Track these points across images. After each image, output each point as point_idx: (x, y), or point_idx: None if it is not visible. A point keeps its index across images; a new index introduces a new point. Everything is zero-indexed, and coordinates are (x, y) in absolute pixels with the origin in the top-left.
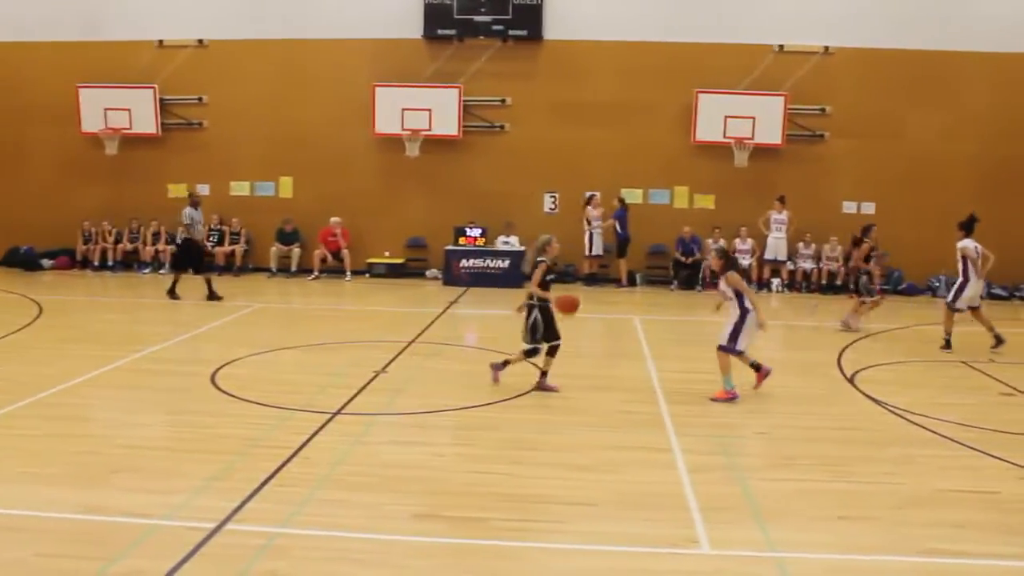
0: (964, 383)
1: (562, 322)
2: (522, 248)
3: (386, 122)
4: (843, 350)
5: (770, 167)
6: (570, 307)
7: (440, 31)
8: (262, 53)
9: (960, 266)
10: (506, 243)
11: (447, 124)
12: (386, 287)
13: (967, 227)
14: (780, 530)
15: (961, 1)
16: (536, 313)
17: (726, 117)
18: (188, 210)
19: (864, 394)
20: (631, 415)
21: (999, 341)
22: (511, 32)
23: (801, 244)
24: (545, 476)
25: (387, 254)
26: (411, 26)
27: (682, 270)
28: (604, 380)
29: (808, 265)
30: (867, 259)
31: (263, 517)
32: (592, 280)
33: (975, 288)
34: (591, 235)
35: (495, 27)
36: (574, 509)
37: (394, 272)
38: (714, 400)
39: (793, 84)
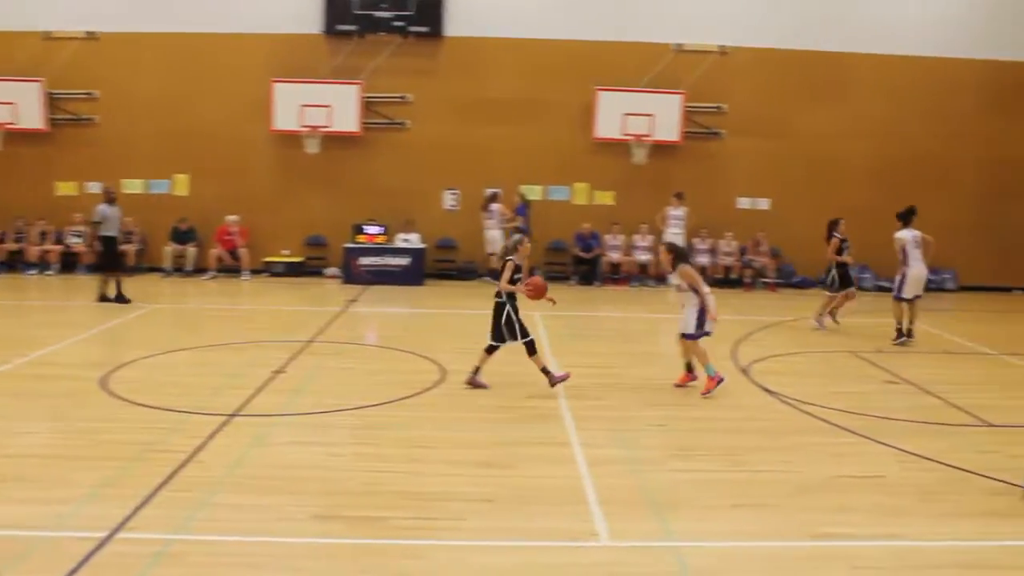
0: (852, 372)
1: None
2: (423, 246)
3: (285, 119)
4: (738, 342)
5: (668, 164)
6: (541, 292)
7: (340, 26)
8: (157, 47)
9: (900, 256)
10: (406, 240)
11: (347, 121)
12: (284, 286)
13: (905, 218)
14: (678, 520)
15: (852, 5)
16: (508, 310)
17: (625, 115)
18: (102, 207)
19: (758, 385)
20: (530, 410)
21: (903, 335)
22: (412, 28)
23: (698, 240)
24: (445, 473)
25: (285, 252)
26: (310, 21)
27: (581, 266)
28: (503, 376)
29: (705, 260)
30: (839, 252)
31: (157, 524)
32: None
33: (917, 276)
34: (492, 232)
35: (396, 23)
36: (474, 505)
37: (292, 271)
38: (705, 395)
39: (691, 83)
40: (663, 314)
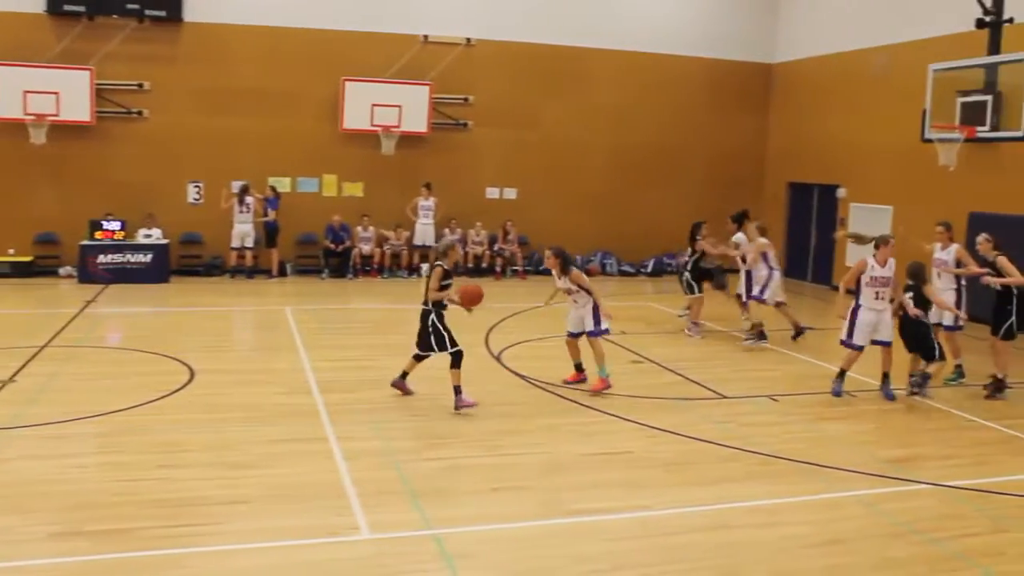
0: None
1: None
2: (166, 241)
3: (6, 105)
4: (489, 330)
5: (417, 155)
6: (474, 300)
7: (67, 7)
8: None
9: (762, 260)
10: (148, 236)
11: (77, 109)
12: (12, 288)
13: (738, 220)
14: (436, 508)
15: (590, 2)
16: (433, 319)
17: (373, 105)
18: None
19: (510, 370)
20: (285, 407)
21: (764, 336)
22: (148, 12)
23: (448, 230)
24: (197, 477)
25: (11, 252)
26: None
27: (332, 258)
28: (256, 374)
29: None
30: (700, 252)
31: None
32: (238, 272)
33: (778, 279)
34: (242, 227)
35: (130, 5)
36: (229, 508)
37: (21, 271)
38: (595, 393)
39: (438, 74)
40: (416, 304)
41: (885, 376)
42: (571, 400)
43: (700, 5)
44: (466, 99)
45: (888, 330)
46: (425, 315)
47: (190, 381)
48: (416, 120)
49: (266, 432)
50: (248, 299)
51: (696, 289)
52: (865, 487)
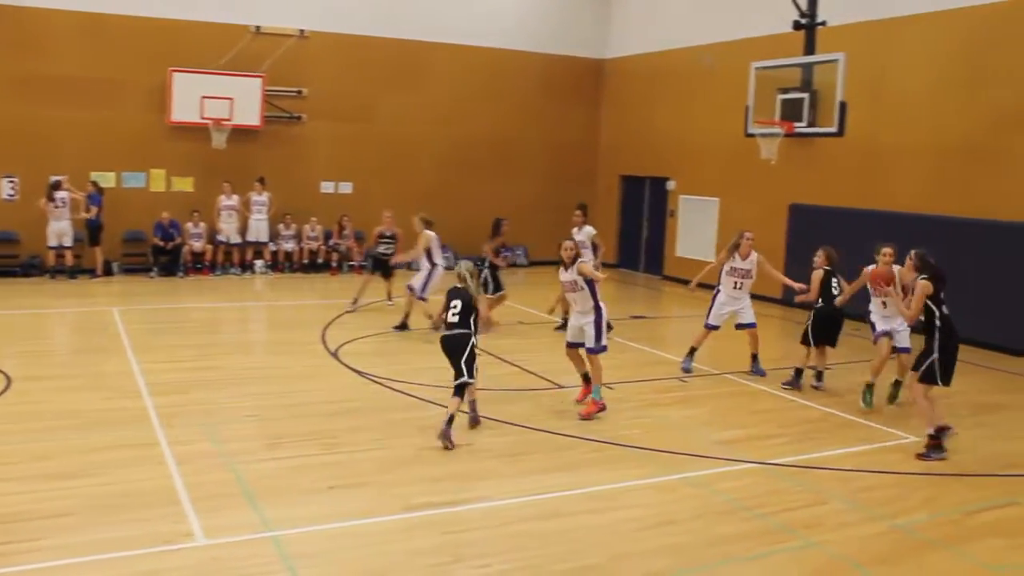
0: (436, 348)
1: None
2: None
3: None
4: (326, 327)
5: (250, 149)
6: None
7: None
8: None
9: (424, 256)
10: None
11: None
12: None
13: (427, 222)
14: (274, 508)
15: None
16: (473, 342)
17: (203, 97)
18: None
19: (348, 367)
20: (112, 412)
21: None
22: None
23: (282, 225)
24: (17, 491)
25: None
26: None
27: (162, 256)
28: (80, 379)
29: (290, 246)
30: (496, 252)
31: None
32: (58, 272)
33: (434, 277)
34: (58, 224)
35: None
36: (52, 523)
37: None
38: (586, 418)
39: (270, 65)
40: (251, 302)
41: (754, 356)
42: (409, 395)
43: (534, 1)
44: (300, 92)
45: (750, 314)
46: (466, 338)
47: (6, 389)
48: (248, 113)
49: (92, 440)
50: (71, 300)
51: (494, 288)
52: (697, 469)
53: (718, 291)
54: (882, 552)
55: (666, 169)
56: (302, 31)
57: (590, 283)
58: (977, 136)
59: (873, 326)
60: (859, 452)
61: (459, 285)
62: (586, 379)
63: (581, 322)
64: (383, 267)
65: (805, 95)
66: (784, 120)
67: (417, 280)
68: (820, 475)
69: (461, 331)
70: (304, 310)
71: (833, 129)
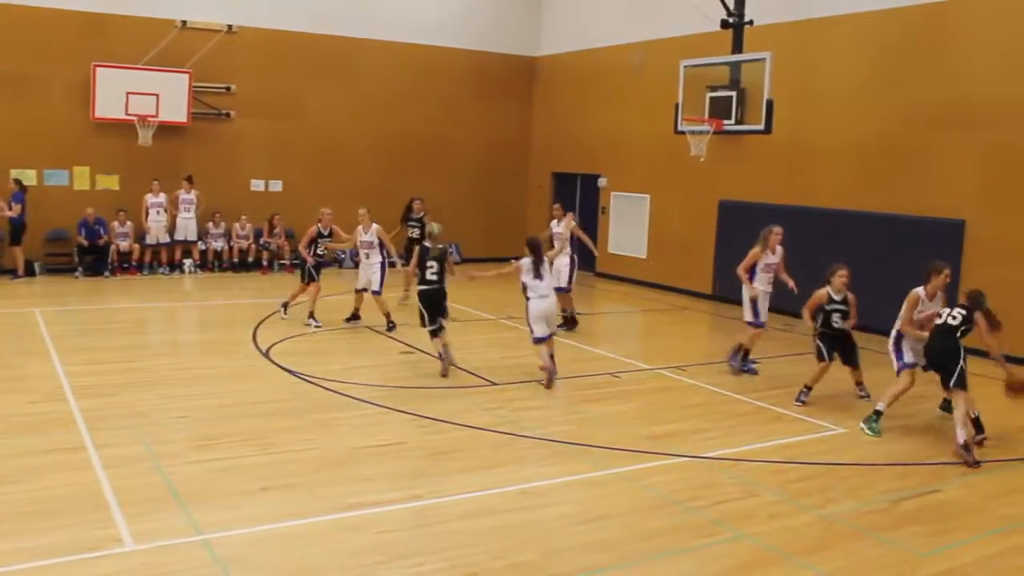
0: (369, 347)
1: None
2: None
3: None
4: (257, 326)
5: (177, 146)
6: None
7: None
8: None
9: (380, 249)
10: None
11: None
12: None
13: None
14: (205, 511)
15: None
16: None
17: (128, 93)
18: None
19: (280, 366)
20: (36, 416)
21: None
22: None
23: (211, 224)
24: None
25: None
26: None
27: (87, 255)
28: (4, 382)
29: (220, 245)
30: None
31: None
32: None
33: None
34: None
35: None
36: None
37: None
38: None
39: (197, 61)
40: (180, 302)
41: (743, 351)
42: (343, 394)
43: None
44: (228, 88)
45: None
46: (443, 294)
47: None
48: (175, 110)
49: (14, 445)
50: None
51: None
52: (629, 464)
53: (754, 291)
54: (811, 542)
55: (598, 166)
56: (230, 26)
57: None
58: (896, 135)
59: (901, 354)
60: (789, 444)
61: (430, 244)
62: (356, 314)
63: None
64: (317, 271)
65: (733, 93)
66: (713, 118)
67: (375, 278)
68: (751, 468)
69: (440, 287)
70: (235, 310)
71: (760, 127)
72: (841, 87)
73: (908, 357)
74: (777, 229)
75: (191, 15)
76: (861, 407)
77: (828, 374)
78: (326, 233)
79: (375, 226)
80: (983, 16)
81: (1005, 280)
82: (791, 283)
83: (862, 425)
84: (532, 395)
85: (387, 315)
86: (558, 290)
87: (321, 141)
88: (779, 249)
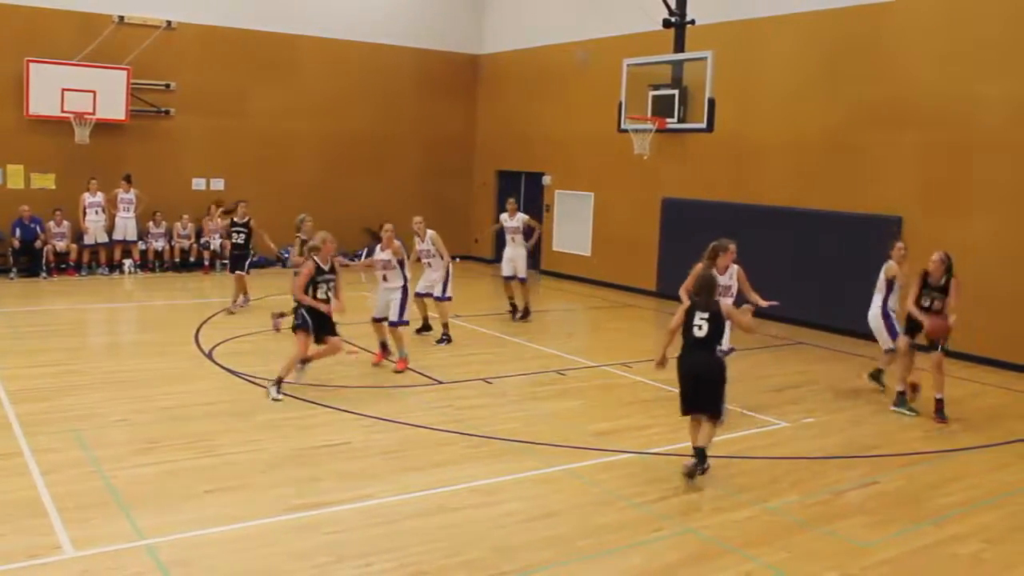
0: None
1: None
2: None
3: None
4: (200, 326)
5: (115, 144)
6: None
7: None
8: None
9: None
10: None
11: None
12: None
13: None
14: (147, 516)
15: None
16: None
17: (63, 90)
18: None
19: (223, 367)
20: None
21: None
22: None
23: (152, 223)
24: None
25: None
26: None
27: (22, 256)
28: None
29: (160, 244)
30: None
31: None
32: None
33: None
34: None
35: None
36: None
37: None
38: (401, 371)
39: (136, 58)
40: (119, 303)
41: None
42: (287, 395)
43: None
44: (168, 85)
45: None
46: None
47: None
48: (113, 107)
49: None
50: None
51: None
52: (576, 460)
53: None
54: (756, 535)
55: (542, 164)
56: (169, 22)
57: (401, 263)
58: (836, 132)
59: (893, 328)
60: (733, 439)
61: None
62: (384, 347)
63: (389, 297)
64: (239, 261)
65: (675, 92)
66: (656, 116)
67: (437, 282)
68: None
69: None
70: (176, 310)
71: (702, 125)
72: (782, 86)
73: (898, 327)
74: (731, 247)
75: (128, 10)
76: (808, 401)
77: (768, 370)
78: (241, 223)
79: (430, 232)
80: (921, 17)
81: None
82: (762, 302)
83: (895, 408)
84: (478, 393)
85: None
86: (519, 280)
87: (263, 139)
88: (734, 268)
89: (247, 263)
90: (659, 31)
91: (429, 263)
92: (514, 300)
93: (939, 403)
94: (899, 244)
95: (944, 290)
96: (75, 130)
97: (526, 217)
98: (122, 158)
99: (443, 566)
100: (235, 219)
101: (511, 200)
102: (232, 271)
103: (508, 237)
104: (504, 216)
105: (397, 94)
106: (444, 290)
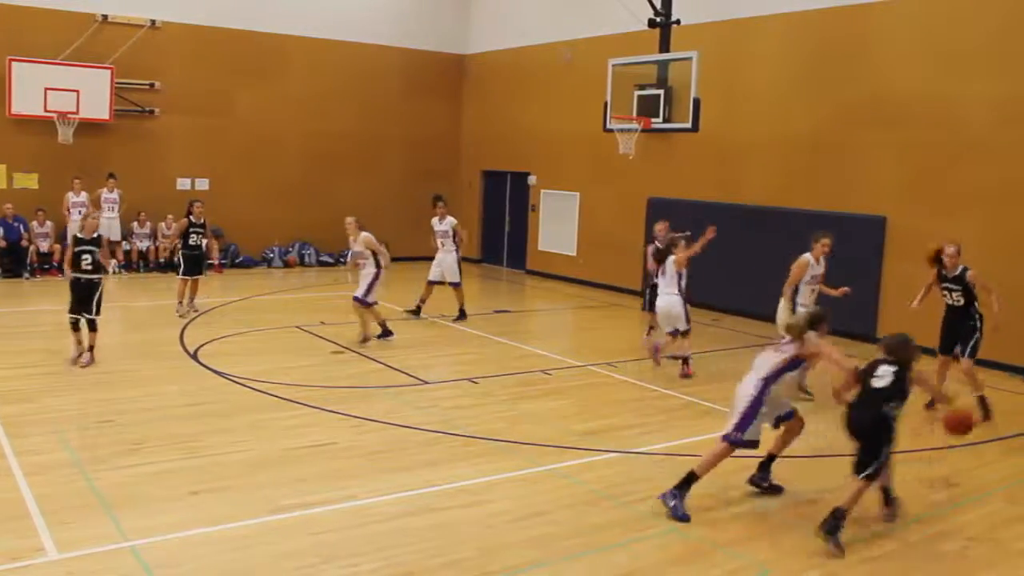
0: (299, 346)
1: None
2: None
3: None
4: (185, 327)
5: (99, 144)
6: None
7: None
8: None
9: (374, 258)
10: None
11: None
12: None
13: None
14: (132, 518)
15: None
16: None
17: (47, 89)
18: None
19: (209, 368)
20: None
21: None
22: None
23: (136, 223)
24: None
25: None
26: None
27: (5, 257)
28: None
29: (144, 244)
30: (183, 236)
31: None
32: None
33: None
34: None
35: None
36: None
37: None
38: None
39: (120, 57)
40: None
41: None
42: (273, 395)
43: None
44: (152, 85)
45: None
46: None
47: None
48: (97, 106)
49: None
50: None
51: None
52: (563, 460)
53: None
54: (743, 533)
55: (528, 164)
56: (153, 21)
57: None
58: (822, 132)
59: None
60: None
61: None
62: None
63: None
64: (195, 263)
65: (660, 91)
66: (641, 116)
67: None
68: (682, 462)
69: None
70: (161, 311)
71: (688, 125)
72: (767, 86)
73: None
74: (824, 240)
75: (112, 9)
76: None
77: (738, 367)
78: (200, 224)
79: (450, 218)
80: (904, 18)
81: (924, 275)
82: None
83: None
84: (463, 393)
85: (383, 323)
86: (451, 284)
87: (249, 138)
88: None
89: (203, 265)
90: (644, 31)
91: (442, 243)
92: (424, 302)
93: (982, 400)
94: (824, 240)
95: (959, 281)
96: (58, 129)
97: (455, 221)
98: (106, 158)
99: (430, 567)
100: (192, 219)
101: (440, 202)
102: (190, 274)
103: (437, 242)
104: (434, 220)
105: (382, 94)
106: (367, 292)
